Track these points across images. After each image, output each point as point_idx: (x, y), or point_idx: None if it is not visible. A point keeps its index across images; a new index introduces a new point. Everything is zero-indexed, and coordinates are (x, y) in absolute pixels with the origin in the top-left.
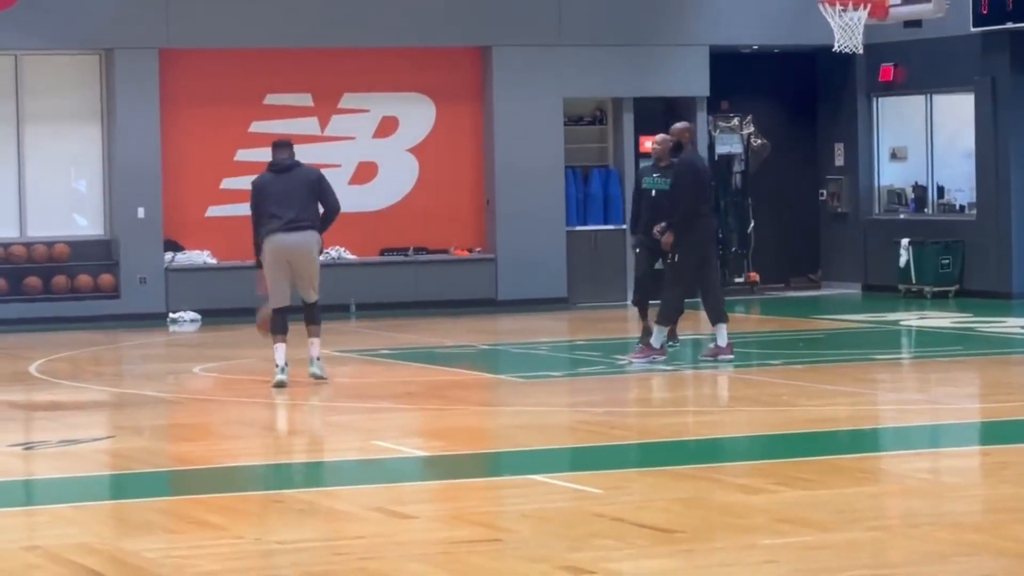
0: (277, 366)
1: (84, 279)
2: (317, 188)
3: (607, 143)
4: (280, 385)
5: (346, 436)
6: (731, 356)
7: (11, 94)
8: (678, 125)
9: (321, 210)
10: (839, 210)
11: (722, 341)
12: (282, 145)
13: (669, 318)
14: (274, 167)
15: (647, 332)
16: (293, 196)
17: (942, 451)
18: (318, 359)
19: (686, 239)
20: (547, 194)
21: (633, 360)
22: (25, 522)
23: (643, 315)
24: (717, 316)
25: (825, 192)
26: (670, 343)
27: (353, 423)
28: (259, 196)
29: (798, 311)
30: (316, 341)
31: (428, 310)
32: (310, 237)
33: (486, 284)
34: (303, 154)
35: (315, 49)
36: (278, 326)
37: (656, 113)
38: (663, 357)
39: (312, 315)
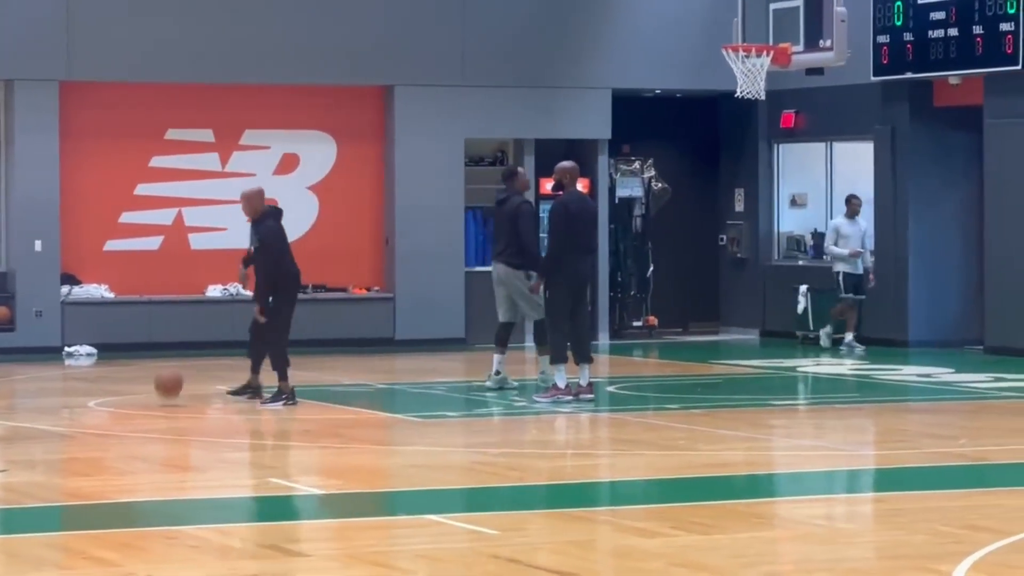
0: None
1: None
2: (517, 222)
3: None
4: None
5: (241, 473)
6: (570, 398)
7: None
8: (560, 164)
9: None
10: (738, 255)
11: (561, 383)
12: (504, 177)
13: (561, 357)
14: (496, 199)
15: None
16: (500, 229)
17: (837, 497)
18: (541, 373)
19: (555, 278)
20: (447, 234)
21: (539, 400)
22: None
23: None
24: (581, 356)
25: (725, 237)
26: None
27: (249, 460)
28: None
29: (696, 356)
30: (540, 359)
31: (326, 348)
32: (505, 268)
33: (384, 323)
34: (202, 189)
35: (217, 85)
36: (497, 337)
37: (557, 155)
38: (569, 397)
39: (536, 334)
